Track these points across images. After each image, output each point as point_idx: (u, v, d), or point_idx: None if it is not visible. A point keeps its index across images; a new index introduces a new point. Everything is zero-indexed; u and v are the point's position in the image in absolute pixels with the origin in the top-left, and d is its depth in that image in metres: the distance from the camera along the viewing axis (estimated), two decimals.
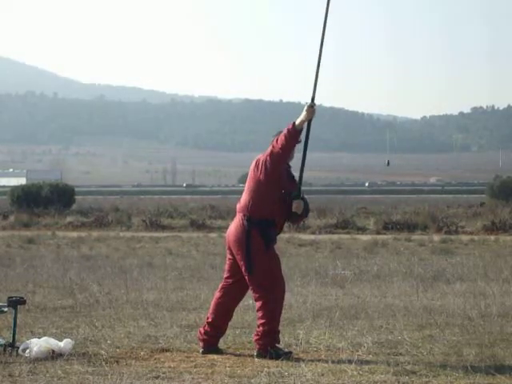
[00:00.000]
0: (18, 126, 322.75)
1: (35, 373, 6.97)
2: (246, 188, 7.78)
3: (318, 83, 7.67)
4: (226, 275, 7.92)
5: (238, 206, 7.77)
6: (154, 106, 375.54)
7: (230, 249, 7.81)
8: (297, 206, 7.64)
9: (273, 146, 7.56)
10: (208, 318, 7.91)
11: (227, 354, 7.80)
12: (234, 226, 7.76)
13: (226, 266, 7.91)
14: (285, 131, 7.51)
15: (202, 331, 7.88)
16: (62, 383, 6.68)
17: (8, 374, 6.92)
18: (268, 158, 7.57)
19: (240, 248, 7.64)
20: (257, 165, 7.68)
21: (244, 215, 7.66)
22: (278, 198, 7.64)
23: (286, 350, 7.74)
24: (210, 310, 7.93)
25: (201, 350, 7.83)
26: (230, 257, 7.82)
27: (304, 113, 7.51)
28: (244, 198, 7.74)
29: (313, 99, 7.60)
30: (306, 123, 7.55)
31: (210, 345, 7.84)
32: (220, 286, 7.96)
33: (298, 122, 7.51)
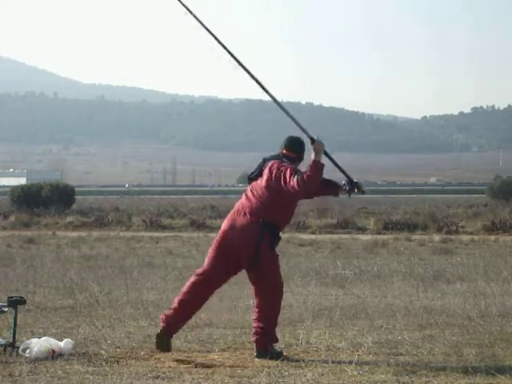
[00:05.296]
0: (18, 126, 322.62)
1: (35, 373, 6.96)
2: (260, 192, 7.70)
3: None
4: (204, 269, 7.70)
5: (250, 208, 7.66)
6: (154, 105, 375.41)
7: (228, 248, 7.69)
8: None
9: (305, 181, 7.49)
10: (175, 305, 7.74)
11: (227, 354, 7.79)
12: (240, 226, 7.62)
13: (211, 261, 7.69)
14: (309, 171, 7.50)
15: (164, 317, 7.74)
16: (62, 383, 6.67)
17: (8, 373, 6.91)
18: (296, 185, 7.51)
19: (248, 249, 7.59)
20: (276, 176, 7.64)
21: (258, 218, 7.63)
22: (292, 206, 7.84)
23: (278, 349, 7.70)
24: (180, 298, 7.74)
25: (158, 332, 7.69)
26: (224, 254, 7.66)
27: (314, 151, 7.61)
28: (258, 201, 7.66)
29: (312, 139, 7.66)
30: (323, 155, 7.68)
31: (170, 332, 7.71)
32: (195, 279, 7.72)
33: (315, 158, 7.58)
